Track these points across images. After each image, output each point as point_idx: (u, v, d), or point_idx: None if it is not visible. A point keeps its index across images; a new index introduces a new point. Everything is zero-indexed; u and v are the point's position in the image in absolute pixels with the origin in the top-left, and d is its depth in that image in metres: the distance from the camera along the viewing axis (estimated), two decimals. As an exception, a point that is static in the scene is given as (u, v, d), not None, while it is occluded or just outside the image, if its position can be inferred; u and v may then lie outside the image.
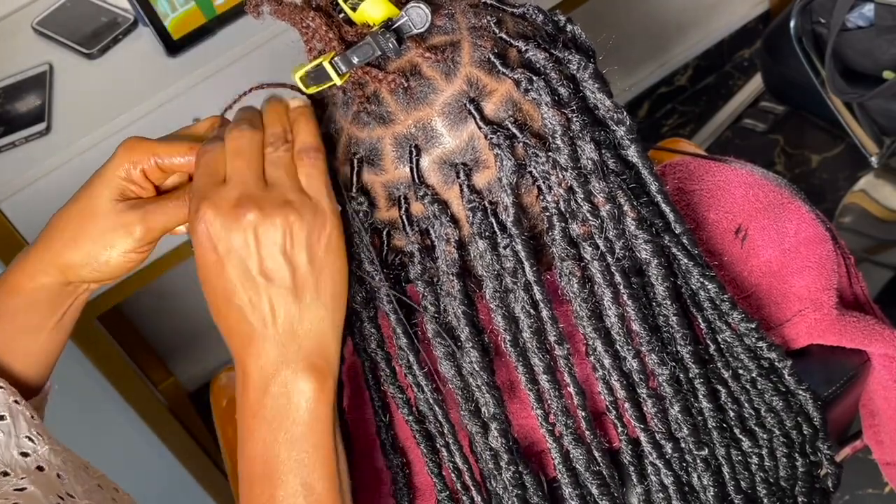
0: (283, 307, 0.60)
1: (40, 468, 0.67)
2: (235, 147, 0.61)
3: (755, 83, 2.27)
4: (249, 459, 0.61)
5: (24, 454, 0.67)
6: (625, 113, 0.65)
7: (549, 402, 0.66)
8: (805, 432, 0.74)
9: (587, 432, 0.68)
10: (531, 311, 0.64)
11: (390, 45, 0.62)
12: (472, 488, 0.70)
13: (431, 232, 0.65)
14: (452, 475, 0.70)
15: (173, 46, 1.40)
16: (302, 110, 0.64)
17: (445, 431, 0.69)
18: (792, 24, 1.78)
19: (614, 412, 0.68)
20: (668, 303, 0.66)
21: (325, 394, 0.61)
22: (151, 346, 1.74)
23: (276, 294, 0.59)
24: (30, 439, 0.67)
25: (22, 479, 0.65)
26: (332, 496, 0.61)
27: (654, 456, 0.68)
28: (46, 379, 0.76)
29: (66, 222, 0.68)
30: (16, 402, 0.68)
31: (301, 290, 0.60)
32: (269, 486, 0.61)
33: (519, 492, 0.68)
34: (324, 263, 0.60)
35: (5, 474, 0.65)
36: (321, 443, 0.61)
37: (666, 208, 0.66)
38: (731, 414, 0.71)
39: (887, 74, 1.70)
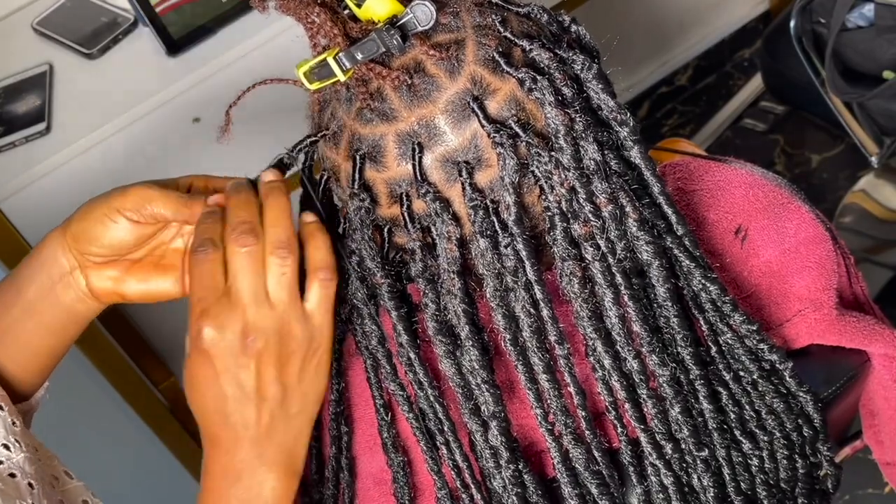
0: (269, 416, 0.64)
1: (12, 475, 0.67)
2: (239, 265, 0.63)
3: (755, 83, 2.27)
4: None
5: None
6: (628, 114, 0.65)
7: (549, 401, 0.66)
8: (805, 434, 0.74)
9: (587, 432, 0.68)
10: (531, 310, 0.65)
11: (395, 41, 0.62)
12: (472, 486, 0.70)
13: (433, 229, 0.65)
14: (452, 473, 0.70)
15: (173, 46, 1.40)
16: (315, 226, 0.67)
17: (445, 429, 0.69)
18: (792, 24, 1.78)
19: (614, 412, 0.68)
20: (670, 304, 0.66)
21: (290, 490, 0.66)
22: (151, 346, 1.73)
23: (265, 408, 0.64)
24: (6, 447, 0.68)
25: None
26: None
27: (655, 456, 0.68)
28: (39, 386, 0.77)
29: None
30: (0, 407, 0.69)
31: (289, 404, 0.65)
32: None
33: (518, 490, 0.68)
34: (311, 385, 0.66)
35: None
36: None
37: (668, 210, 0.66)
38: (732, 416, 0.71)
39: (887, 74, 1.70)
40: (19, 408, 0.74)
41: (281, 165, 0.69)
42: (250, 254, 0.63)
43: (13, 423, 0.69)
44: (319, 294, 0.65)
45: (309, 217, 0.67)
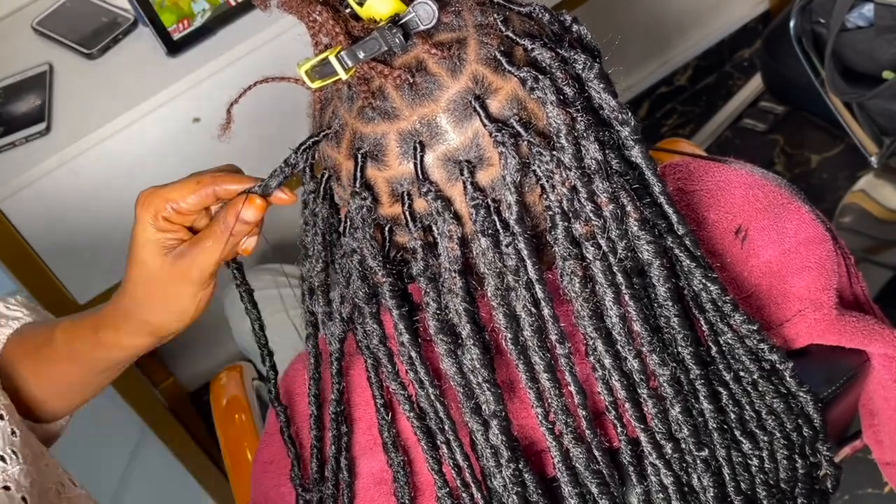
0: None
1: (6, 487, 0.68)
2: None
3: (755, 83, 2.27)
4: None
5: None
6: (629, 113, 0.65)
7: (549, 400, 0.66)
8: (805, 434, 0.74)
9: (587, 431, 0.68)
10: (532, 309, 0.65)
11: (397, 40, 0.62)
12: (473, 485, 0.70)
13: (434, 228, 0.65)
14: (453, 472, 0.70)
15: (173, 46, 1.40)
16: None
17: (446, 428, 0.69)
18: (792, 24, 1.78)
19: (614, 412, 0.68)
20: (670, 304, 0.66)
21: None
22: (151, 346, 1.73)
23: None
24: (1, 458, 0.68)
25: None
26: None
27: (654, 456, 0.68)
28: (68, 413, 0.80)
29: (133, 292, 0.72)
30: (0, 416, 0.69)
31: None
32: None
33: (519, 489, 0.68)
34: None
35: None
36: None
37: (669, 210, 0.66)
38: (732, 416, 0.71)
39: (887, 74, 1.70)
40: (39, 431, 0.76)
41: (280, 172, 0.70)
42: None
43: (13, 433, 0.70)
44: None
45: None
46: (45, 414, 0.79)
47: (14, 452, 0.69)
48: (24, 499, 0.68)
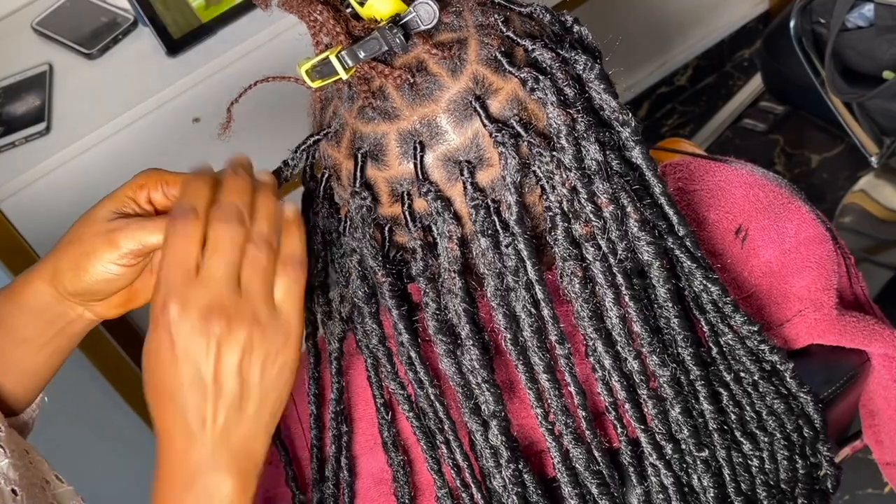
0: (224, 415, 0.60)
1: None
2: (216, 240, 0.60)
3: (755, 83, 2.27)
4: None
5: None
6: (630, 114, 0.65)
7: (549, 401, 0.66)
8: (806, 434, 0.74)
9: (587, 432, 0.68)
10: (532, 310, 0.64)
11: (397, 40, 0.62)
12: (472, 486, 0.70)
13: (434, 229, 0.65)
14: (452, 472, 0.70)
15: (173, 46, 1.40)
16: (296, 216, 0.64)
17: (446, 428, 0.69)
18: (792, 24, 1.78)
19: (614, 413, 0.68)
20: (670, 305, 0.66)
21: (245, 495, 0.61)
22: (151, 346, 1.73)
23: (221, 403, 0.60)
24: None
25: None
26: None
27: (655, 457, 0.68)
28: (32, 401, 0.76)
29: (63, 237, 0.69)
30: None
31: (245, 402, 0.61)
32: None
33: (519, 490, 0.68)
34: (273, 385, 0.61)
35: None
36: None
37: (669, 210, 0.66)
38: (733, 416, 0.71)
39: (887, 74, 1.70)
40: (12, 422, 0.74)
41: (279, 172, 0.69)
42: (232, 237, 0.60)
43: None
44: (287, 286, 0.61)
45: (289, 209, 0.64)
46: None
47: (1, 447, 0.68)
48: (13, 491, 0.67)
